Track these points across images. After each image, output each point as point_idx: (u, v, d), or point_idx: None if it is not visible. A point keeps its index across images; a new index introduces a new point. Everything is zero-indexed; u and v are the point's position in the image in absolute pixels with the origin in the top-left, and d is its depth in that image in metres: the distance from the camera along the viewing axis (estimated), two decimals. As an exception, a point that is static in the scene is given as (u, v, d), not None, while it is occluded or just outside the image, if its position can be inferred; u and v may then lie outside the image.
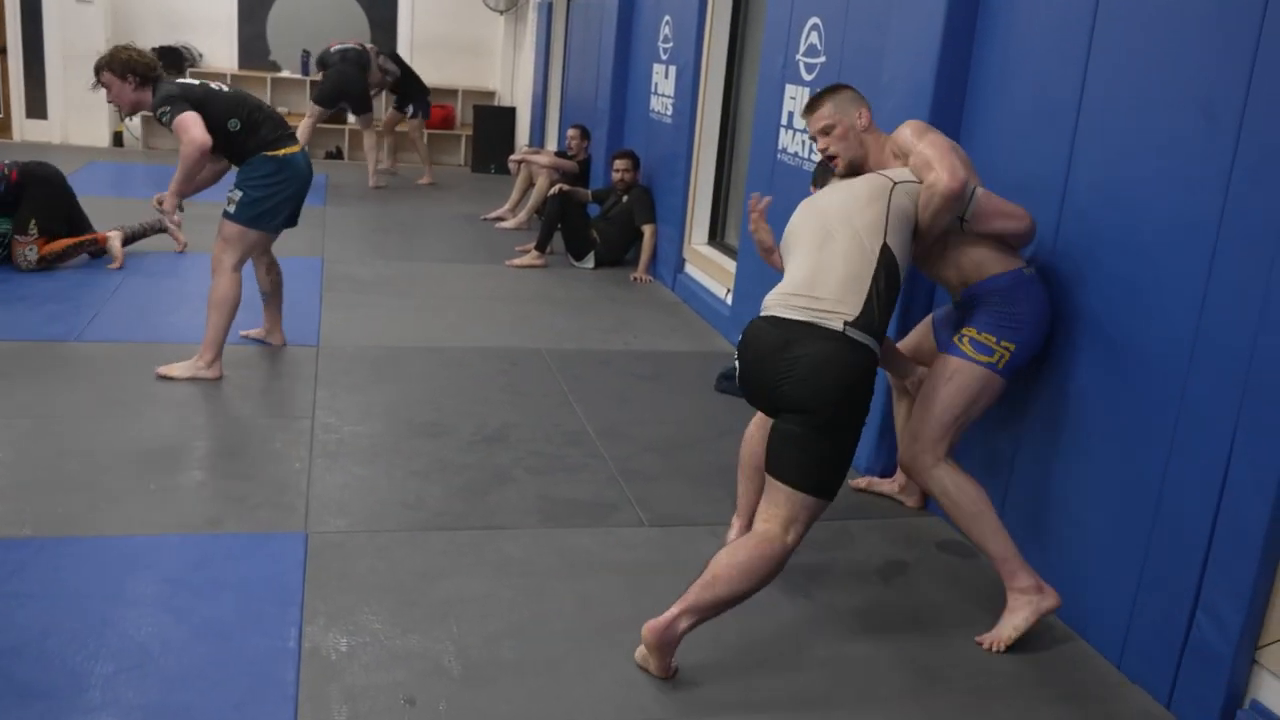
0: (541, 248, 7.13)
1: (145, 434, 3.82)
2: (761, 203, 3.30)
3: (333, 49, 9.52)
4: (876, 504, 3.73)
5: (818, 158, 4.48)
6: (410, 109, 10.07)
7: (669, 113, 6.83)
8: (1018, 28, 3.35)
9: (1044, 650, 2.87)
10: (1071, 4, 3.09)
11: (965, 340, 3.04)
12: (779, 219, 3.14)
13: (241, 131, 4.35)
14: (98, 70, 4.33)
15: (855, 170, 3.11)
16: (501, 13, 11.82)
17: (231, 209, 4.42)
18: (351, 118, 10.06)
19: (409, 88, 10.07)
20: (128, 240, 6.26)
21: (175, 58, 10.58)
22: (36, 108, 10.62)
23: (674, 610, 2.56)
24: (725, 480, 3.58)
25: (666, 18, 6.91)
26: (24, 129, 10.66)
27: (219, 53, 11.32)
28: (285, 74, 11.37)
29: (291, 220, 4.62)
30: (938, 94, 3.58)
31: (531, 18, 11.20)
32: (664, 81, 6.94)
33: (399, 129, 10.64)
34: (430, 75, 11.76)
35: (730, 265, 5.89)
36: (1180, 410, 2.62)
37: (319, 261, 6.57)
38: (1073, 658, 2.86)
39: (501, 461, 3.81)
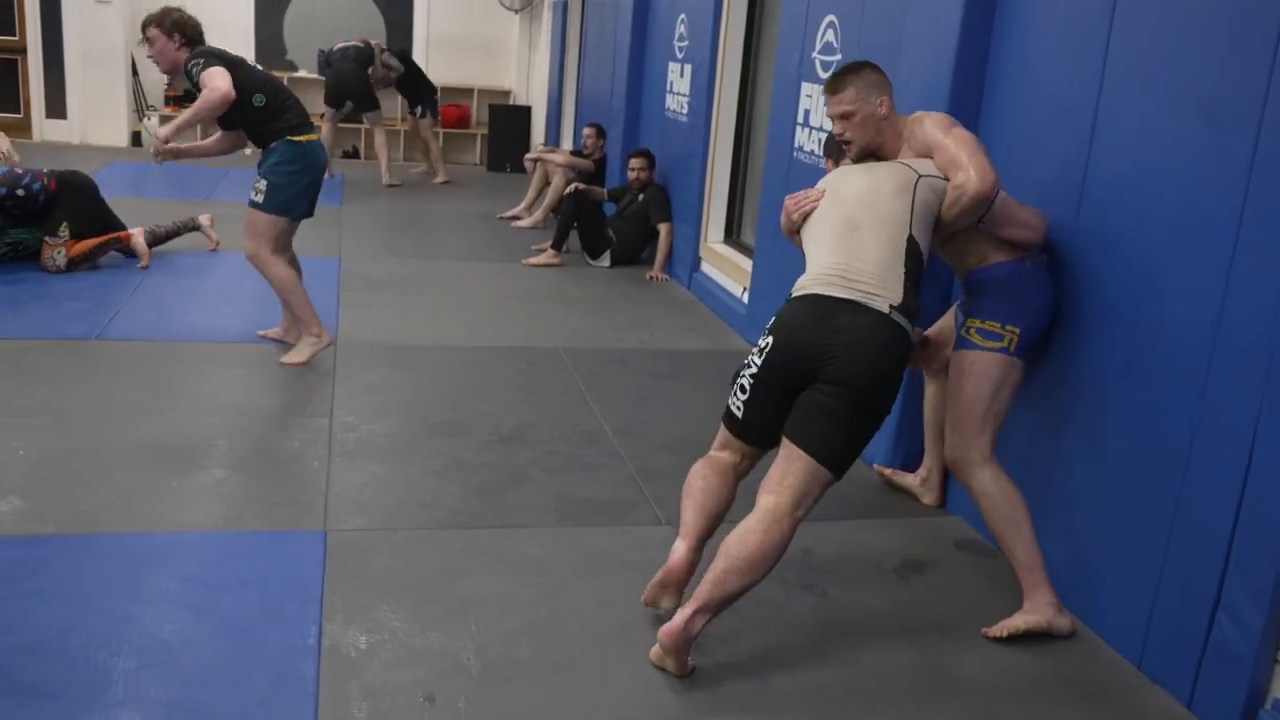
0: (557, 246, 7.14)
1: (165, 432, 3.85)
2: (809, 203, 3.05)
3: (336, 47, 9.60)
4: (895, 502, 3.72)
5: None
6: (419, 109, 10.07)
7: (684, 111, 6.82)
8: (1036, 23, 3.34)
9: (1062, 650, 2.86)
10: None
11: (972, 331, 3.06)
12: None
13: (265, 108, 4.45)
14: (145, 26, 4.45)
15: (868, 154, 3.09)
16: (517, 12, 11.84)
17: (260, 198, 4.49)
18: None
19: (416, 87, 10.06)
20: (158, 240, 6.30)
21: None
22: (56, 108, 10.69)
23: (688, 610, 2.56)
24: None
25: (682, 16, 6.90)
26: (43, 129, 10.73)
27: (236, 53, 11.35)
28: (302, 73, 11.40)
29: (309, 210, 4.69)
30: (955, 91, 3.57)
31: (546, 16, 11.21)
32: (679, 80, 6.94)
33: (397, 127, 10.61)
34: (445, 74, 11.80)
35: (746, 264, 5.88)
36: (1201, 407, 2.60)
37: (336, 261, 6.60)
38: (1092, 657, 2.84)
39: (518, 461, 3.82)
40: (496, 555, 3.13)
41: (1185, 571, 2.64)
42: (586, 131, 8.48)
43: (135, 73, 10.99)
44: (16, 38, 10.54)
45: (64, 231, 5.81)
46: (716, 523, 2.85)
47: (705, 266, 6.60)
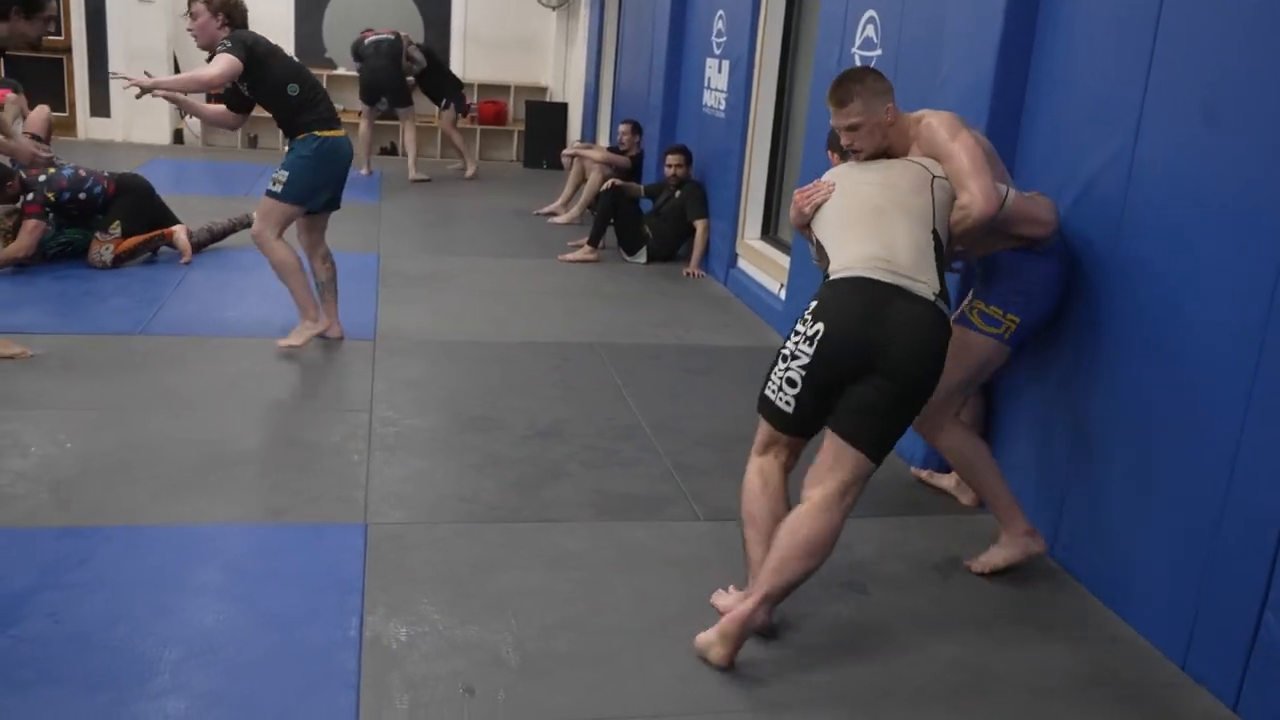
0: (594, 243, 7.15)
1: (207, 425, 3.89)
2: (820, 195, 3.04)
3: (366, 40, 9.55)
4: (934, 501, 3.70)
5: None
6: (445, 101, 10.05)
7: (722, 107, 6.81)
8: (1080, 19, 3.30)
9: (1105, 649, 2.84)
10: (1136, -6, 3.04)
11: (975, 313, 3.17)
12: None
13: (298, 98, 4.54)
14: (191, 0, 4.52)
15: (877, 156, 3.06)
16: (554, 8, 11.86)
17: (277, 189, 4.58)
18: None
19: (438, 82, 10.02)
20: (215, 237, 6.40)
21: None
22: (100, 106, 10.84)
23: (753, 600, 2.59)
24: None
25: (720, 12, 6.89)
26: (88, 127, 10.88)
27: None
28: (340, 71, 11.48)
29: (333, 203, 4.79)
30: (997, 87, 3.53)
31: (584, 13, 11.22)
32: (717, 76, 6.92)
33: (425, 122, 10.54)
34: (483, 71, 11.85)
35: (783, 260, 5.87)
36: (1248, 406, 2.57)
37: (375, 256, 6.65)
38: (1134, 657, 2.82)
39: (555, 455, 3.83)
40: (534, 549, 3.14)
41: (1231, 572, 2.60)
42: (623, 128, 8.48)
43: (178, 71, 11.11)
44: (61, 37, 10.69)
45: (115, 230, 5.92)
46: None
47: (742, 263, 6.59)
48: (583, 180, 8.41)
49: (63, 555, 2.90)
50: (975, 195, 2.87)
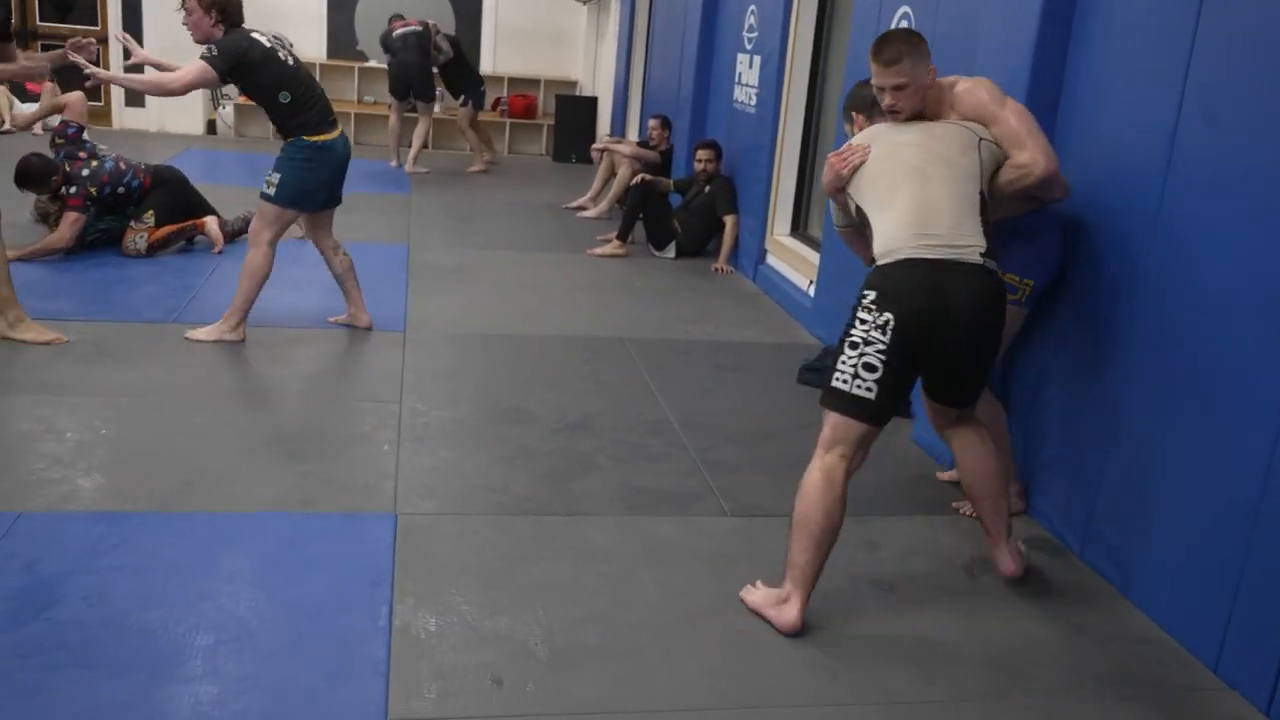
0: (623, 237, 7.15)
1: (238, 414, 3.93)
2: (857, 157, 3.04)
3: (395, 33, 9.50)
4: (961, 498, 3.67)
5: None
6: (463, 98, 10.00)
7: (753, 103, 6.79)
8: (1119, 16, 3.27)
9: (1136, 651, 2.82)
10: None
11: None
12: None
13: (290, 105, 4.52)
14: None
15: (912, 119, 3.09)
16: (585, 2, 11.87)
17: (271, 191, 4.59)
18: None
19: (460, 74, 9.97)
20: (241, 230, 6.44)
21: (266, 47, 10.80)
22: (135, 96, 10.93)
23: (1007, 544, 3.05)
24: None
25: (751, 7, 6.87)
26: (123, 117, 10.99)
27: (309, 43, 11.54)
28: (372, 64, 11.54)
29: (331, 201, 4.78)
30: (1034, 83, 3.50)
31: (614, 7, 11.22)
32: (748, 71, 6.90)
33: (450, 115, 10.49)
34: (513, 65, 11.88)
35: (813, 257, 5.85)
36: (1286, 410, 2.54)
37: (404, 248, 6.68)
38: (1165, 658, 2.79)
39: (585, 449, 3.84)
40: (563, 542, 3.15)
41: (1265, 574, 2.57)
42: (652, 123, 8.47)
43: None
44: (99, 28, 10.80)
45: (149, 219, 5.99)
46: None
47: (771, 259, 6.57)
48: (612, 174, 8.41)
49: (98, 539, 2.94)
50: (1036, 155, 2.97)
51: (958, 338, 2.79)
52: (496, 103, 11.91)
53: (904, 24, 4.59)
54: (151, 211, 6.02)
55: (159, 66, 4.75)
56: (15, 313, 4.44)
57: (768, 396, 4.56)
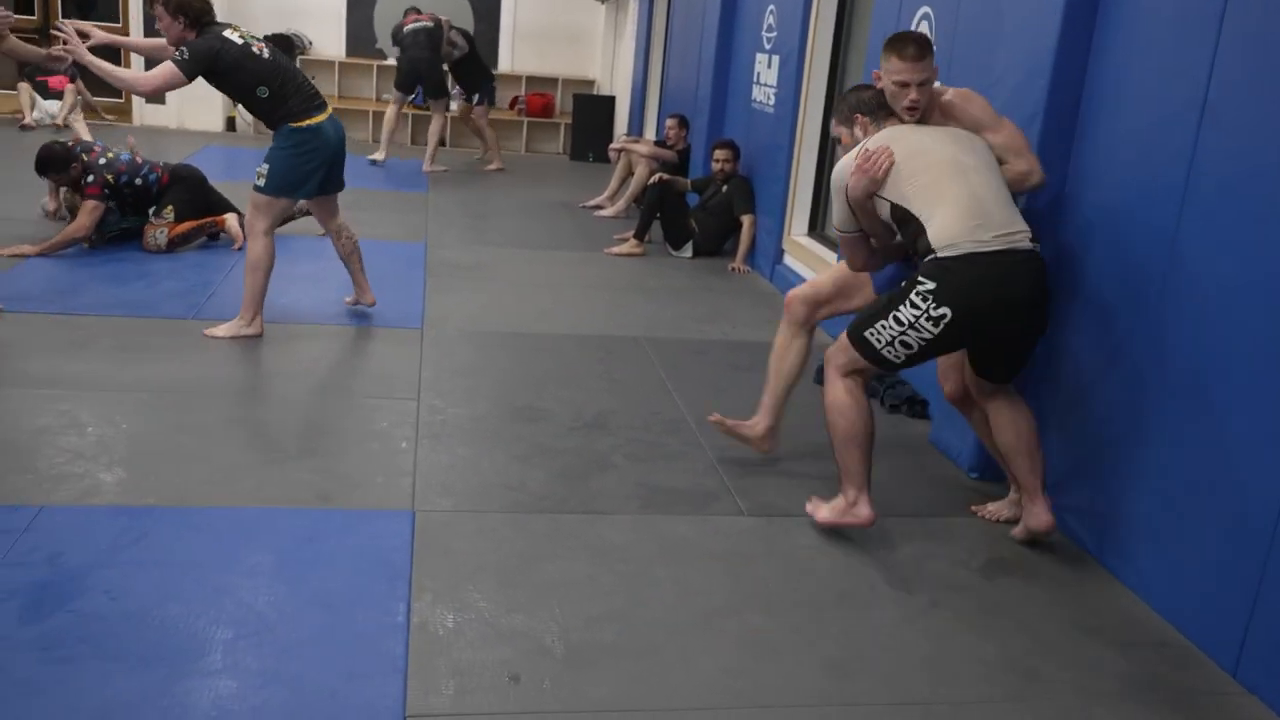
0: (640, 236, 7.16)
1: (257, 410, 3.95)
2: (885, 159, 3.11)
3: (406, 27, 9.46)
4: (978, 503, 3.66)
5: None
6: (476, 97, 9.96)
7: (771, 103, 6.79)
8: (1143, 16, 3.25)
9: (1153, 653, 2.81)
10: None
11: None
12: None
13: (270, 99, 4.55)
14: (152, 2, 4.56)
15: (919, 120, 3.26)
16: (603, 1, 11.88)
17: (261, 182, 4.64)
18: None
19: (473, 72, 9.92)
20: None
21: (286, 44, 10.84)
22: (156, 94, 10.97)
23: (1043, 500, 3.25)
24: (823, 471, 3.56)
25: (770, 7, 6.87)
26: (143, 114, 11.05)
27: (328, 41, 11.60)
28: (390, 62, 11.55)
29: (326, 186, 4.80)
30: (1054, 85, 3.48)
31: (633, 6, 11.23)
32: (766, 71, 6.90)
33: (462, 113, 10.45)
34: (531, 64, 11.91)
35: (830, 257, 5.84)
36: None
37: (422, 246, 6.70)
38: (1184, 662, 2.78)
39: (601, 447, 3.85)
40: (580, 540, 3.16)
41: (1285, 580, 2.56)
42: (669, 122, 8.47)
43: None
44: (120, 24, 10.87)
45: (169, 214, 6.03)
46: None
47: (788, 259, 6.56)
48: (629, 174, 8.42)
49: (119, 533, 2.96)
50: (1034, 165, 3.22)
51: (1014, 326, 3.06)
52: (514, 101, 11.94)
53: (924, 24, 4.58)
54: (171, 207, 6.07)
55: (134, 49, 4.84)
56: None
57: (784, 397, 4.56)
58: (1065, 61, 3.47)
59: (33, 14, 10.83)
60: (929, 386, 4.32)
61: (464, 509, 3.30)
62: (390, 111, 9.69)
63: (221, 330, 4.70)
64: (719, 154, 7.16)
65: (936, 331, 2.97)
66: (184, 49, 4.42)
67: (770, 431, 3.75)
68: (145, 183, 6.05)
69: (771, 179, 6.74)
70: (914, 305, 2.97)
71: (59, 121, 9.84)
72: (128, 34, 10.75)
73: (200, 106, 10.96)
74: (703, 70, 8.13)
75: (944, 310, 2.93)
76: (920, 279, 2.97)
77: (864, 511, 3.21)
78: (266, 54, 4.59)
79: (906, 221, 3.07)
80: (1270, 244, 2.68)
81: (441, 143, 10.10)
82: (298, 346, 4.71)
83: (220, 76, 4.51)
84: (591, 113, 11.41)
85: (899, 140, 3.10)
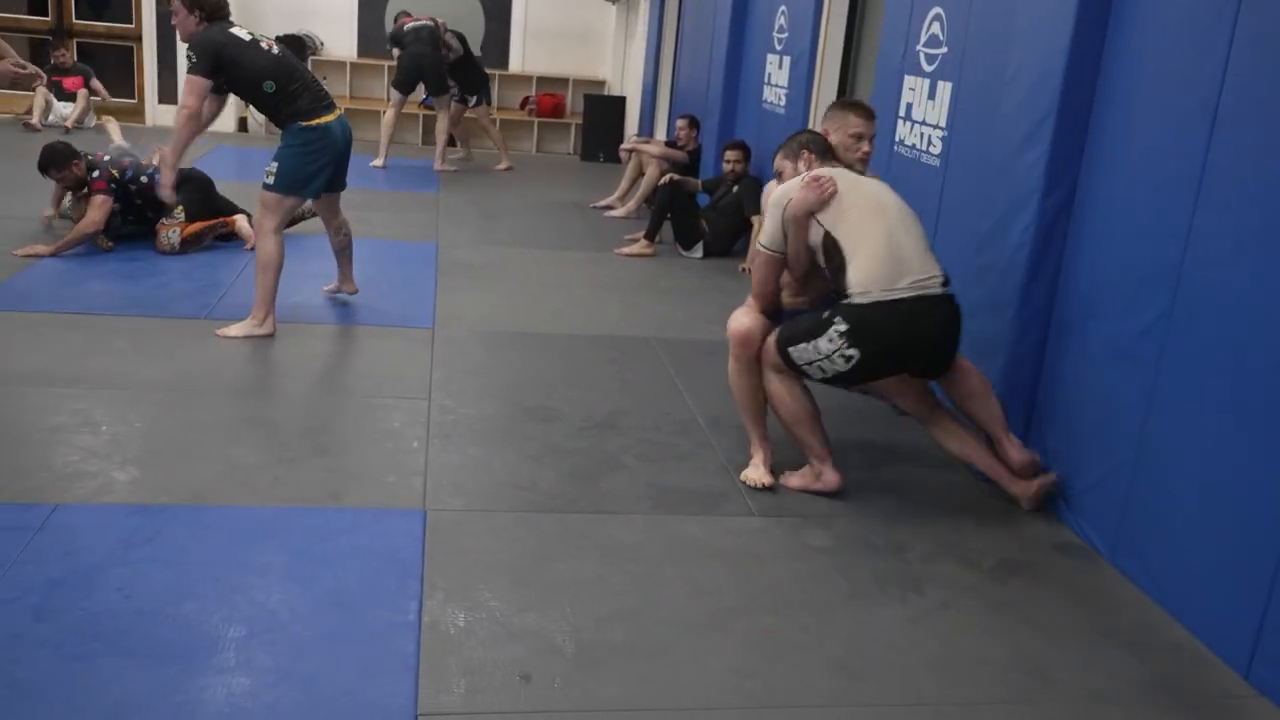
0: (650, 237, 7.16)
1: (269, 409, 3.97)
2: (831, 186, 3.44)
3: (405, 27, 9.44)
4: (991, 503, 3.66)
5: (936, 150, 4.44)
6: (474, 99, 9.92)
7: (782, 103, 6.79)
8: (1155, 16, 3.25)
9: (1165, 656, 2.80)
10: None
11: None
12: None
13: (277, 95, 4.60)
14: None
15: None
16: (614, 2, 11.88)
17: (270, 180, 4.69)
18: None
19: (469, 73, 9.87)
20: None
21: (298, 45, 10.86)
22: (168, 94, 11.03)
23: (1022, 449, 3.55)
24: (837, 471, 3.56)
25: (782, 8, 6.87)
26: (156, 114, 11.09)
27: (340, 41, 11.62)
28: (401, 62, 11.58)
29: (334, 185, 4.87)
30: (1067, 86, 3.48)
31: (643, 7, 11.23)
32: (778, 71, 6.90)
33: (467, 116, 10.37)
34: (542, 64, 11.92)
35: (841, 257, 5.83)
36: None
37: (433, 246, 6.72)
38: (1196, 665, 2.78)
39: (611, 448, 3.85)
40: (591, 540, 3.16)
41: (1298, 583, 2.56)
42: (679, 123, 8.47)
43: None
44: (133, 25, 10.92)
45: (179, 214, 6.05)
46: None
47: (799, 259, 6.55)
48: (640, 174, 8.42)
49: (133, 531, 2.98)
50: None
51: (924, 359, 3.43)
52: (525, 102, 11.95)
53: (936, 25, 4.58)
54: (181, 207, 6.09)
55: (181, 144, 4.76)
56: None
57: (795, 397, 4.55)
58: (1078, 61, 3.47)
59: (46, 15, 10.87)
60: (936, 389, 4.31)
61: (475, 508, 3.31)
62: (389, 114, 9.63)
63: (234, 330, 4.72)
64: (730, 155, 7.16)
65: (848, 368, 3.33)
66: (190, 54, 4.50)
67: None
68: (151, 181, 6.05)
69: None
70: (830, 340, 3.30)
71: (69, 125, 9.85)
72: (140, 35, 10.81)
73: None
74: (714, 71, 8.13)
75: (854, 352, 3.28)
76: (833, 318, 3.30)
77: (831, 478, 3.48)
78: (275, 50, 4.65)
79: (832, 254, 3.36)
80: (1284, 245, 2.67)
81: (451, 142, 10.09)
82: (309, 346, 4.73)
83: (226, 70, 4.54)
84: (602, 113, 11.41)
85: (841, 176, 3.44)
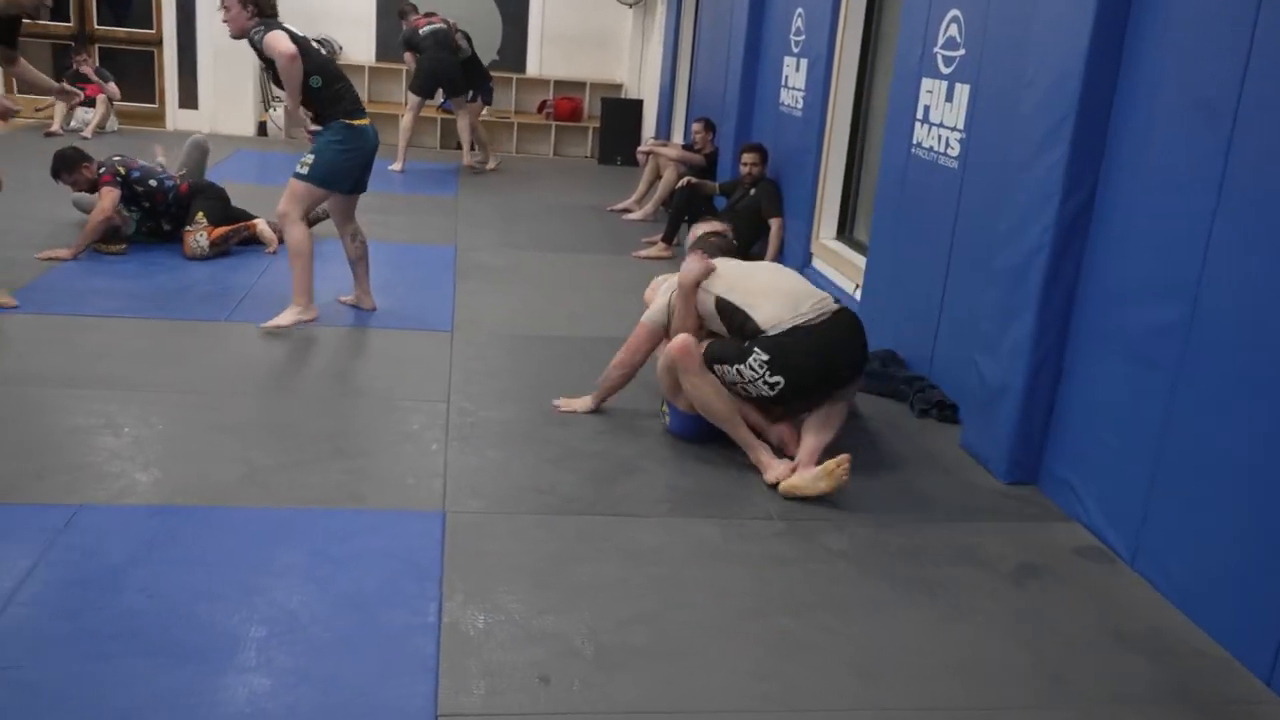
0: (668, 239, 7.17)
1: (289, 411, 3.99)
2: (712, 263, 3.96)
3: (422, 29, 9.43)
4: (1009, 507, 3.65)
5: (954, 152, 4.43)
6: (473, 95, 9.92)
7: (799, 106, 6.78)
8: (1175, 17, 3.23)
9: (1188, 662, 2.79)
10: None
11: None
12: (911, 212, 3.06)
13: (322, 90, 4.75)
14: None
15: None
16: (631, 5, 11.90)
17: (304, 170, 4.80)
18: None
19: (478, 73, 9.93)
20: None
21: (317, 50, 10.91)
22: (188, 98, 11.12)
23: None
24: (854, 474, 3.55)
25: (799, 10, 6.86)
26: (176, 119, 11.16)
27: (358, 46, 11.67)
28: (420, 66, 11.62)
29: (358, 186, 5.00)
30: (1086, 86, 3.47)
31: (660, 10, 11.24)
32: (795, 74, 6.89)
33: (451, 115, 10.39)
34: (559, 67, 11.94)
35: (859, 260, 5.83)
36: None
37: (452, 249, 6.74)
38: (1217, 671, 2.76)
39: (630, 451, 3.86)
40: (610, 543, 3.17)
41: (1321, 587, 2.54)
42: (696, 126, 8.46)
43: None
44: (153, 31, 11.00)
45: (201, 219, 6.09)
46: None
47: (817, 262, 6.55)
48: (657, 177, 8.42)
49: (154, 532, 3.00)
50: None
51: (841, 365, 3.72)
52: (542, 105, 11.98)
53: (954, 27, 4.57)
54: (202, 213, 6.13)
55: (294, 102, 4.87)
56: None
57: (813, 400, 4.55)
58: (1097, 63, 3.46)
59: (68, 20, 10.95)
60: (959, 391, 4.31)
61: (495, 510, 3.32)
62: (407, 118, 9.64)
63: (282, 319, 4.85)
64: (747, 157, 7.15)
65: (773, 394, 3.63)
66: (256, 28, 4.63)
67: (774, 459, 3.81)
68: (160, 186, 6.12)
69: (799, 183, 6.73)
70: (752, 369, 3.61)
71: (87, 133, 9.88)
72: (160, 40, 10.89)
73: (233, 110, 11.08)
74: (731, 74, 8.13)
75: (778, 379, 3.59)
76: (754, 349, 3.61)
77: (777, 468, 3.63)
78: (325, 51, 4.83)
79: (731, 314, 3.75)
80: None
81: (477, 139, 10.07)
82: (328, 348, 4.75)
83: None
84: (619, 116, 11.42)
85: (731, 263, 3.96)
